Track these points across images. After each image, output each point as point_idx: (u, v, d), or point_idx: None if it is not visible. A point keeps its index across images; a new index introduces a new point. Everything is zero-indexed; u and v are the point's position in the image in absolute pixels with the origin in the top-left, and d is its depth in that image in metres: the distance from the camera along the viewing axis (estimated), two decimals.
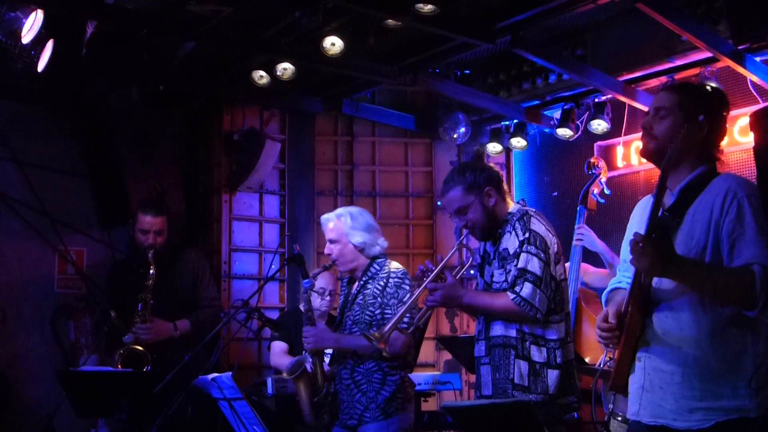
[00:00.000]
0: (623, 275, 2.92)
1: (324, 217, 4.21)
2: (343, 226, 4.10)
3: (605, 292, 3.01)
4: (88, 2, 4.67)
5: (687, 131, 2.56)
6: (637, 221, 2.86)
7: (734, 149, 5.11)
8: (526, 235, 3.48)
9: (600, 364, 4.27)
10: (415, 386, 4.21)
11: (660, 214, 2.57)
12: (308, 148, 6.65)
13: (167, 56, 5.51)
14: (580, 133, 5.94)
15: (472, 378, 4.32)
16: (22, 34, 4.43)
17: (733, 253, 2.55)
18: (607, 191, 5.30)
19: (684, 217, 2.65)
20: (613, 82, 5.42)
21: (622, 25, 5.40)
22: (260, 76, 5.65)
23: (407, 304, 3.76)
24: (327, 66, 5.47)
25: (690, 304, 2.59)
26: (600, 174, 5.29)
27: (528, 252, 3.45)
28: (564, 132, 5.96)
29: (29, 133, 5.92)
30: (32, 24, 4.41)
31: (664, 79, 5.39)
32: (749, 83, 5.11)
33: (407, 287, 3.99)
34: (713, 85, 4.83)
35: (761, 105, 5.08)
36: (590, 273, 5.19)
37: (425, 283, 3.59)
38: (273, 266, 6.14)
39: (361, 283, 4.07)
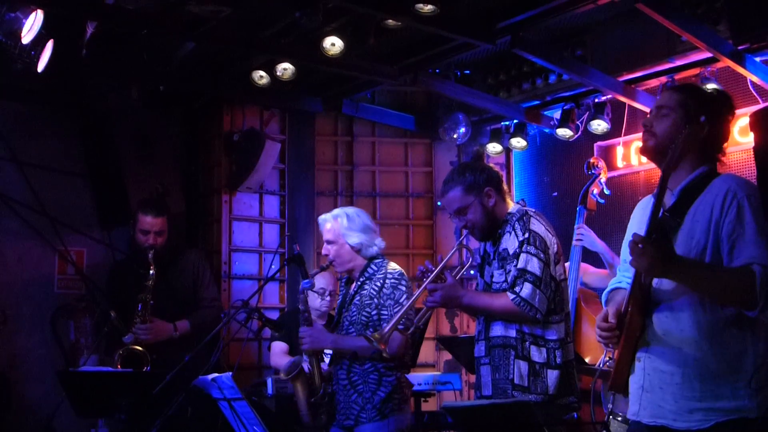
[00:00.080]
0: (623, 275, 2.92)
1: (321, 217, 4.21)
2: (339, 226, 4.09)
3: (605, 292, 3.01)
4: (88, 2, 4.67)
5: (688, 133, 2.56)
6: (638, 221, 2.86)
7: (734, 149, 5.09)
8: (526, 235, 3.48)
9: (600, 364, 4.26)
10: (412, 386, 4.21)
11: (660, 214, 2.57)
12: (308, 148, 6.65)
13: (167, 56, 5.51)
14: (580, 133, 5.93)
15: (472, 378, 4.31)
16: (22, 35, 4.42)
17: (733, 254, 2.55)
18: (606, 191, 5.29)
19: (684, 218, 2.65)
20: (613, 82, 5.42)
21: (622, 25, 5.39)
22: (260, 76, 5.64)
23: (406, 305, 3.76)
24: (327, 66, 5.46)
25: (690, 305, 2.59)
26: (600, 174, 5.29)
27: (528, 252, 3.45)
28: (564, 132, 5.95)
29: (29, 133, 5.92)
30: (32, 24, 4.40)
31: (664, 79, 5.39)
32: (749, 83, 5.10)
33: (404, 288, 3.99)
34: (719, 88, 4.83)
35: (761, 105, 5.07)
36: (590, 273, 5.18)
37: (425, 283, 3.58)
38: (273, 266, 6.14)
39: (359, 283, 4.07)
